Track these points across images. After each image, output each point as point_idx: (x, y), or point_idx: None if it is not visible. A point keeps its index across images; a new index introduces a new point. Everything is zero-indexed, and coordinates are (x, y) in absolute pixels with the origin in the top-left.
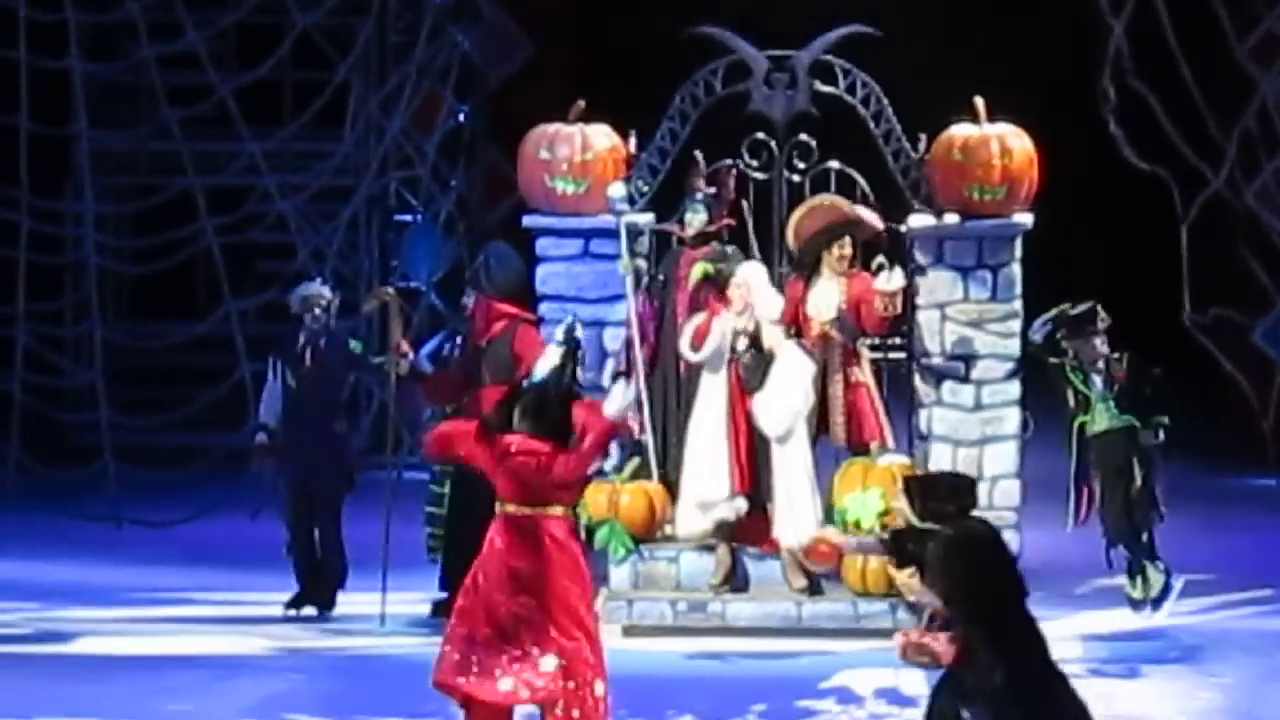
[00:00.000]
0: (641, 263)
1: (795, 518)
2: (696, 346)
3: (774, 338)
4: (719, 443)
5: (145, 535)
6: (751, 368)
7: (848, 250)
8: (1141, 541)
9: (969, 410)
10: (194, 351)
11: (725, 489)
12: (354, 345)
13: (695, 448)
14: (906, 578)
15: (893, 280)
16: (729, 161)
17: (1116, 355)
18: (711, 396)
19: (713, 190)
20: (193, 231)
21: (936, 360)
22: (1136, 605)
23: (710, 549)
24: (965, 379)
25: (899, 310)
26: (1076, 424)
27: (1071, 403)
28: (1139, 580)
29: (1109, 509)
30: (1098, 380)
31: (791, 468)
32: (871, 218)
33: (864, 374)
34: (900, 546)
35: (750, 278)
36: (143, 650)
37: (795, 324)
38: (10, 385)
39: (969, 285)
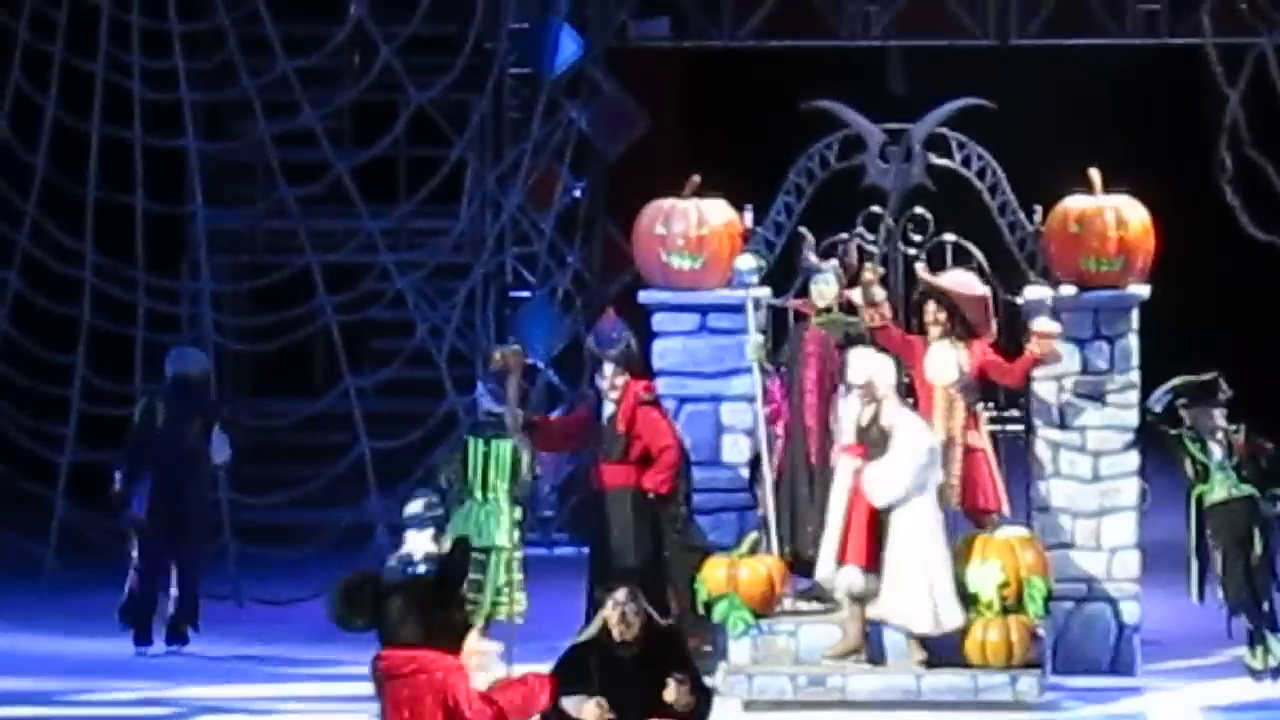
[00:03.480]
0: (760, 337)
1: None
2: None
3: (891, 412)
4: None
5: (267, 613)
6: (876, 444)
7: (935, 316)
8: (1262, 611)
9: (1087, 481)
10: (312, 429)
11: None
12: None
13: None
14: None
15: (1049, 323)
16: (847, 235)
17: (1234, 426)
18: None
19: (835, 262)
20: (310, 309)
21: (1054, 432)
22: (1257, 675)
23: (830, 621)
24: (1083, 450)
25: (1047, 352)
26: (1195, 494)
27: (1190, 473)
28: (1260, 650)
29: (1229, 578)
30: (1216, 450)
31: (915, 537)
32: (961, 287)
33: (981, 439)
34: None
35: (873, 373)
36: None
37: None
38: None
39: (1086, 356)
